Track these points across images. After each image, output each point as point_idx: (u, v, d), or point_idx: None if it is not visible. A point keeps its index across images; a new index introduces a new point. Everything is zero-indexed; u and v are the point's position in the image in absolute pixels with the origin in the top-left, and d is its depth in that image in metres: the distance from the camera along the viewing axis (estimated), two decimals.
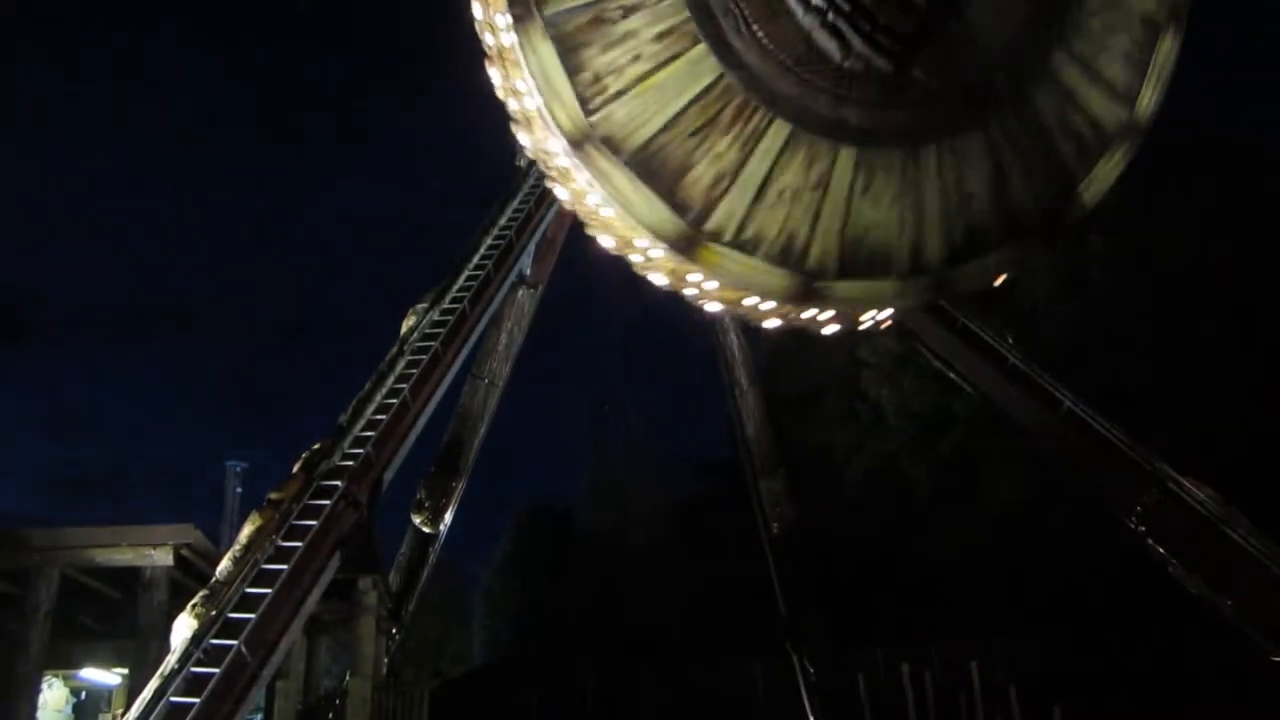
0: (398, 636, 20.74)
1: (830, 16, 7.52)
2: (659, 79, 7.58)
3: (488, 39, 7.90)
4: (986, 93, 8.15)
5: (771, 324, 8.69)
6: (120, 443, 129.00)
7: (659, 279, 8.68)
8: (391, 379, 13.59)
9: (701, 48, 7.57)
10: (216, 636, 9.79)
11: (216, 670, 9.37)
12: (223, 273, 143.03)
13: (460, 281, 16.02)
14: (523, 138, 8.30)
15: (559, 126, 7.57)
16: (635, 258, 8.67)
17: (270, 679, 11.65)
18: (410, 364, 13.84)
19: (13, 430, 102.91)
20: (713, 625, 34.09)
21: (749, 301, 8.44)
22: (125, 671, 16.13)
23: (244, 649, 9.61)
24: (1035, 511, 26.97)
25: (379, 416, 12.77)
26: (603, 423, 49.64)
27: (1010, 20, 7.94)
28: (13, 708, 13.20)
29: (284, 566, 10.57)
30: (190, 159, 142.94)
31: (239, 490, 45.58)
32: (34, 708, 13.74)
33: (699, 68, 7.62)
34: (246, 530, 11.20)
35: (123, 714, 10.69)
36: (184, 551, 14.29)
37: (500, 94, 8.17)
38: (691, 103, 7.64)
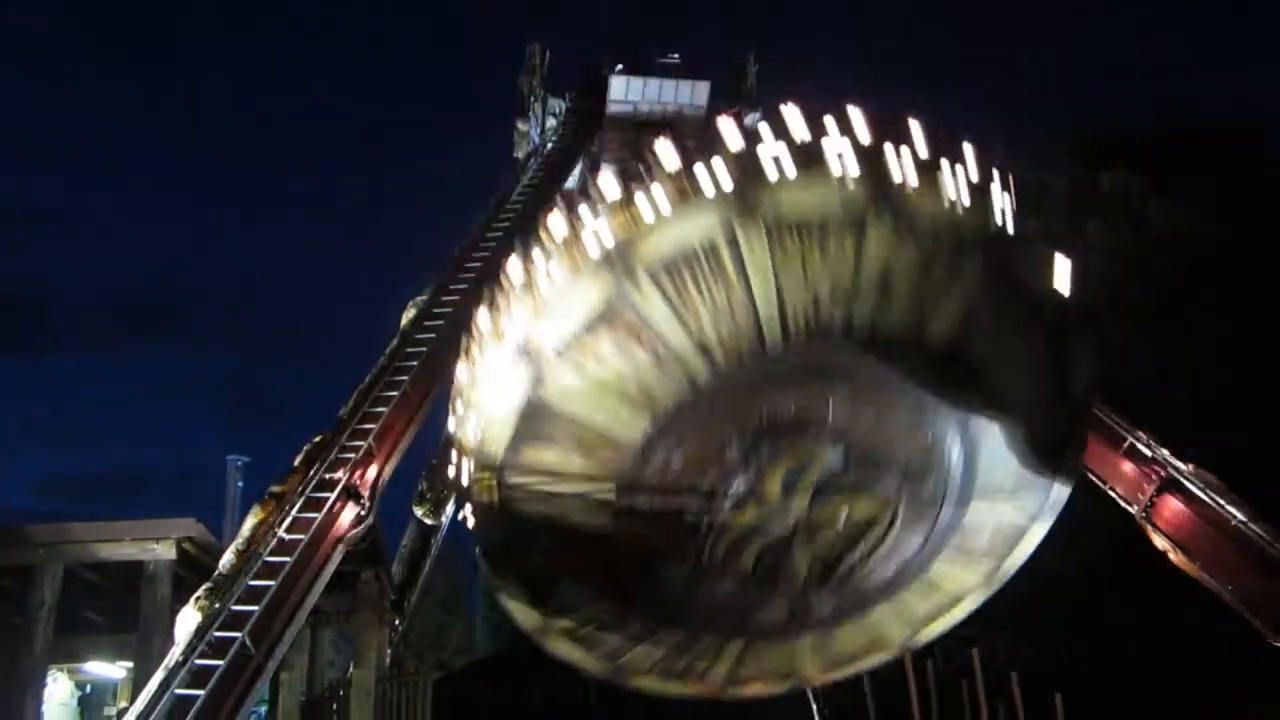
0: (400, 628, 20.82)
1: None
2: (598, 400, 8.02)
3: (539, 264, 7.72)
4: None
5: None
6: (122, 444, 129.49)
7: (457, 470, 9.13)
8: (392, 371, 13.59)
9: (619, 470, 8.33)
10: (220, 629, 9.84)
11: (221, 662, 9.42)
12: (223, 275, 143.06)
13: (460, 274, 16.01)
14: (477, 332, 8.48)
15: (481, 444, 8.18)
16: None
17: (274, 671, 11.69)
18: (411, 355, 13.84)
19: (15, 433, 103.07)
20: None
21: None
22: (130, 665, 16.16)
23: (248, 641, 9.66)
24: None
25: (380, 409, 12.77)
26: None
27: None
28: (18, 703, 13.24)
29: (287, 559, 10.62)
30: (192, 162, 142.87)
31: (240, 485, 45.63)
32: (39, 702, 13.79)
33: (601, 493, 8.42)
34: (249, 523, 11.24)
35: (128, 707, 10.73)
36: (187, 545, 14.30)
37: (504, 285, 8.10)
38: (577, 488, 8.44)
